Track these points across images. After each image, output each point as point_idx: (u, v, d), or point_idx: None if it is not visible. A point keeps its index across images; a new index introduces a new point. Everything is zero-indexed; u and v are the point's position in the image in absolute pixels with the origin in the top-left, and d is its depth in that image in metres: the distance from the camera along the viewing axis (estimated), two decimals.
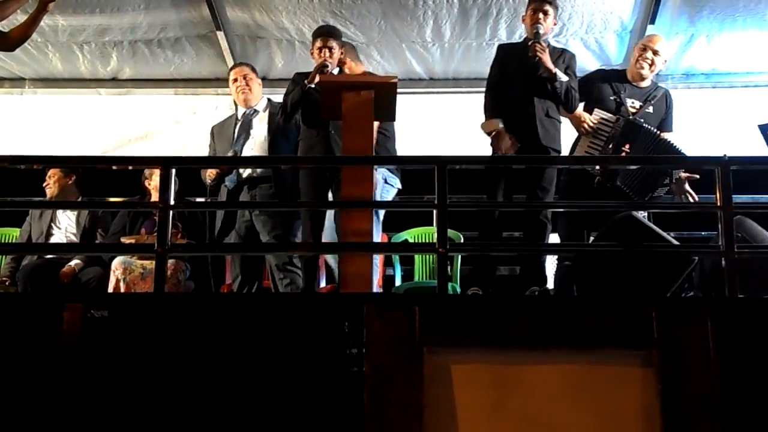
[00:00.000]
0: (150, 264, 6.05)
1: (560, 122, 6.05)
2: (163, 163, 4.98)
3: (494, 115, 6.04)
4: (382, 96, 5.30)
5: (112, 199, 6.96)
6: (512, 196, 5.98)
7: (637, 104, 6.20)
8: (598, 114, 6.14)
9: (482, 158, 5.94)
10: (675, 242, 5.22)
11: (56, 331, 4.39)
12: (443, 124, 7.70)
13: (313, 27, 7.69)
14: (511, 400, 4.39)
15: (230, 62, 8.11)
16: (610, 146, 6.04)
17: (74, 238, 6.91)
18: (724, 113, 8.14)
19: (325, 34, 6.26)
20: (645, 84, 6.36)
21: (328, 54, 6.14)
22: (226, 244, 6.51)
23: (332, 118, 5.77)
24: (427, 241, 7.01)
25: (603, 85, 6.28)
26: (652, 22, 7.59)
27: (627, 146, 6.00)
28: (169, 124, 8.49)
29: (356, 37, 7.94)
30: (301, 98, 6.07)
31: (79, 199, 7.09)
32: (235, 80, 6.65)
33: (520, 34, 7.77)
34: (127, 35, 8.05)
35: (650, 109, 6.20)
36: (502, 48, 6.38)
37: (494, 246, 5.96)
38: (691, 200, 6.06)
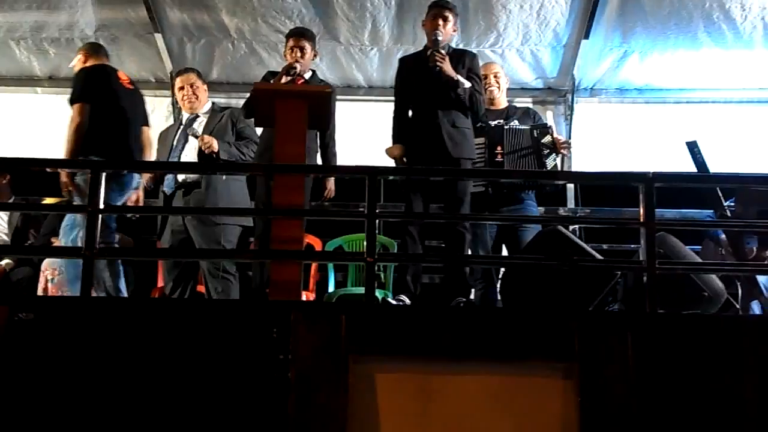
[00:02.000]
0: None
1: (470, 129, 6.07)
2: (94, 167, 4.97)
3: (396, 141, 6.13)
4: (316, 105, 5.33)
5: (45, 201, 6.91)
6: (429, 207, 6.07)
7: (501, 122, 6.37)
8: None
9: (413, 169, 5.97)
10: (599, 256, 5.29)
11: None
12: (381, 133, 7.75)
13: (253, 27, 7.82)
14: (434, 410, 4.43)
15: (168, 64, 8.11)
16: (487, 158, 6.20)
17: (5, 238, 6.86)
18: (656, 128, 8.25)
19: (297, 34, 6.32)
20: (502, 105, 6.58)
21: (299, 54, 6.17)
22: (157, 249, 6.50)
23: (266, 125, 5.80)
24: (360, 248, 7.05)
25: None
26: (587, 37, 7.73)
27: (498, 148, 6.18)
28: None
29: None
30: None
31: (11, 200, 7.03)
32: (182, 88, 6.65)
33: (456, 41, 7.85)
34: (64, 32, 8.01)
35: (514, 123, 6.38)
36: (402, 60, 6.40)
37: (422, 256, 6.01)
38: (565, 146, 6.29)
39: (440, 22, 6.08)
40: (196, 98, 6.57)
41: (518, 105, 6.95)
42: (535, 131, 6.24)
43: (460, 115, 6.00)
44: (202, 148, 6.30)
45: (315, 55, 6.44)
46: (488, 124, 6.33)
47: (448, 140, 5.91)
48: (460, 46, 7.78)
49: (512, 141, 6.21)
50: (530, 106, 7.70)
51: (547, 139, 6.22)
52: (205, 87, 6.74)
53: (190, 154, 6.40)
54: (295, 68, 6.05)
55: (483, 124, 6.31)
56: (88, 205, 4.84)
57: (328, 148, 6.32)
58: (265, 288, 5.92)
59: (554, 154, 6.24)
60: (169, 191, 6.33)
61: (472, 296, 6.23)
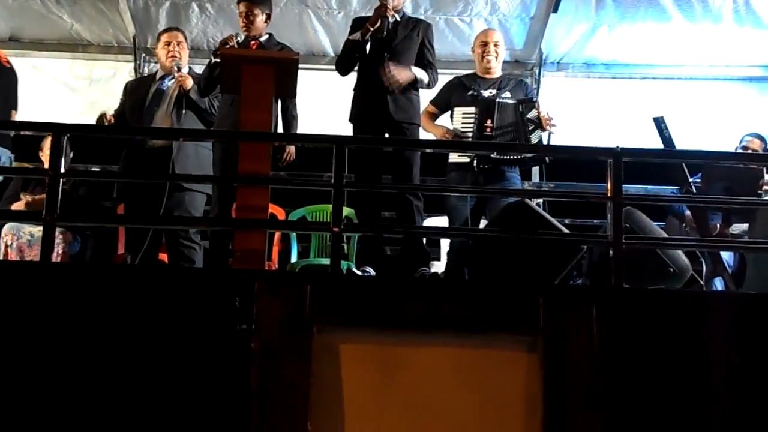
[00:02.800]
0: (38, 231, 5.92)
1: (417, 95, 6.12)
2: (55, 130, 4.88)
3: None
4: (282, 72, 5.26)
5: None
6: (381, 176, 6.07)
7: (493, 92, 6.28)
8: (459, 111, 6.28)
9: (381, 140, 5.94)
10: (565, 230, 5.29)
11: None
12: (346, 102, 7.69)
13: None
14: (398, 381, 4.41)
15: (131, 29, 8.00)
16: (476, 130, 6.11)
17: None
18: (623, 103, 8.29)
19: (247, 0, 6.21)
20: (496, 75, 6.48)
21: (248, 20, 6.13)
22: (119, 216, 6.41)
23: (232, 92, 5.72)
24: (323, 218, 7.02)
25: (458, 89, 6.37)
26: (555, 10, 7.71)
27: (488, 122, 6.07)
28: (66, 89, 8.33)
29: None
30: (209, 74, 6.04)
31: None
32: (168, 43, 6.50)
33: (425, 7, 7.84)
34: None
35: (507, 95, 6.29)
36: (356, 20, 6.36)
37: (387, 227, 5.98)
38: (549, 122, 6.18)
39: None
40: (180, 57, 6.46)
41: (511, 76, 6.85)
42: (520, 105, 6.14)
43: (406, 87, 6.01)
44: (178, 82, 6.26)
45: (268, 17, 6.33)
46: (480, 94, 6.24)
47: (391, 103, 5.93)
48: (429, 13, 7.79)
49: (501, 115, 6.10)
50: (517, 76, 7.57)
51: (533, 113, 6.11)
52: (188, 51, 6.65)
53: (163, 116, 6.29)
54: (232, 43, 5.96)
55: (475, 93, 6.26)
56: (50, 169, 4.76)
57: (288, 110, 6.21)
58: (225, 257, 5.89)
59: (539, 130, 6.13)
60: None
61: (438, 267, 6.23)
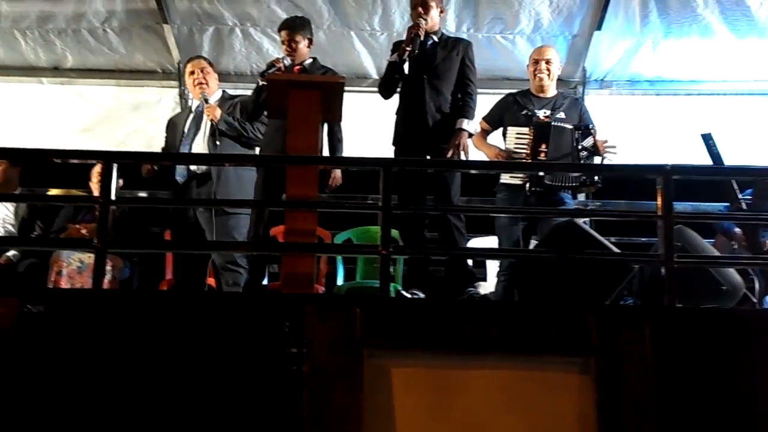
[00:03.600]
0: (88, 258, 5.98)
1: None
2: (105, 158, 4.92)
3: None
4: (328, 96, 5.27)
5: (52, 191, 6.86)
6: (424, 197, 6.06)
7: (548, 113, 6.23)
8: (513, 131, 6.25)
9: (428, 161, 5.93)
10: (615, 249, 5.24)
11: None
12: (388, 123, 7.69)
13: (260, 15, 7.76)
14: (449, 405, 4.39)
15: (176, 54, 8.06)
16: (531, 154, 6.08)
17: (12, 230, 6.79)
18: (668, 121, 8.21)
19: (287, 27, 6.26)
20: (551, 94, 6.44)
21: (290, 48, 6.16)
22: (168, 241, 6.45)
23: (279, 117, 5.74)
24: (369, 240, 7.01)
25: (512, 108, 6.34)
26: (599, 27, 7.67)
27: (543, 146, 6.05)
28: (111, 116, 8.39)
29: None
30: (256, 98, 6.07)
31: (18, 191, 6.98)
32: (192, 72, 6.59)
33: (467, 25, 7.82)
34: (71, 23, 7.97)
35: (561, 115, 6.26)
36: (395, 43, 6.33)
37: (437, 249, 5.96)
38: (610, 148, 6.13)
39: (421, 10, 6.04)
40: (207, 84, 6.49)
41: (567, 94, 6.83)
42: (576, 132, 6.08)
43: (448, 99, 5.99)
44: (206, 115, 6.29)
45: (310, 42, 6.35)
46: (535, 114, 6.20)
47: (431, 126, 5.93)
48: (471, 31, 7.78)
49: (556, 140, 6.06)
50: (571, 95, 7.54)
51: (588, 141, 6.06)
52: (216, 75, 6.67)
53: (200, 143, 6.33)
54: (277, 65, 6.02)
55: (530, 113, 6.22)
56: (100, 197, 4.80)
57: (333, 134, 6.21)
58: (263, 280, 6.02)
59: (595, 156, 6.08)
60: (181, 180, 6.24)
61: (485, 288, 6.20)
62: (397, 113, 6.15)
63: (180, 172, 6.24)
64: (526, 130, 6.14)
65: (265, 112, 6.07)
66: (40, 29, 8.05)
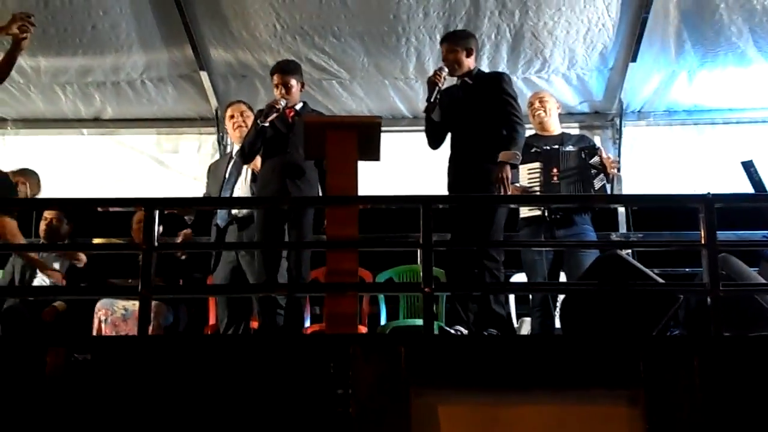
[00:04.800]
0: (132, 305, 6.02)
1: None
2: (146, 204, 4.97)
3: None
4: (365, 135, 5.30)
5: (96, 241, 6.93)
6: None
7: (556, 147, 6.34)
8: (524, 169, 6.29)
9: (467, 197, 5.91)
10: (660, 280, 5.20)
11: (40, 375, 4.36)
12: (426, 163, 7.70)
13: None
14: None
15: (213, 102, 8.14)
16: (543, 180, 6.19)
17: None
18: (707, 150, 8.17)
19: (280, 70, 6.25)
20: (556, 132, 6.55)
21: (284, 90, 6.14)
22: (210, 286, 6.49)
23: (317, 157, 5.79)
24: (411, 279, 7.01)
25: (524, 149, 6.24)
26: (634, 59, 7.66)
27: (554, 170, 6.17)
28: (152, 164, 8.49)
29: (339, 74, 8.00)
30: (256, 138, 6.08)
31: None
32: (232, 116, 6.68)
33: (502, 69, 7.83)
34: (110, 76, 8.10)
35: (569, 148, 6.33)
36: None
37: (479, 286, 5.93)
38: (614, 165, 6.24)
39: (448, 59, 6.06)
40: (246, 127, 6.52)
41: (572, 132, 6.94)
42: (583, 152, 6.23)
43: (490, 137, 5.91)
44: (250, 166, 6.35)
45: (302, 87, 6.38)
46: (543, 149, 6.30)
47: (476, 171, 5.84)
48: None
49: (566, 163, 6.20)
50: (579, 132, 7.70)
51: (595, 159, 6.19)
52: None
53: (242, 187, 6.39)
54: (279, 105, 6.04)
55: (538, 150, 6.29)
56: (143, 244, 4.84)
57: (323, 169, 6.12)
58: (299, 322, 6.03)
59: (603, 174, 6.18)
60: (222, 224, 6.32)
61: (522, 324, 6.16)
62: (449, 159, 6.11)
63: (221, 216, 6.31)
64: (536, 164, 6.27)
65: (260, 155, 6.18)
66: (80, 83, 8.17)
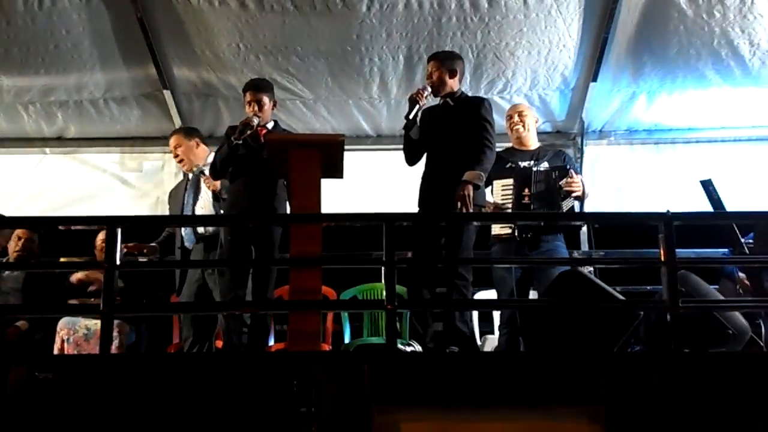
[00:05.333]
0: (94, 324, 5.99)
1: None
2: (109, 222, 4.96)
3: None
4: (329, 154, 5.33)
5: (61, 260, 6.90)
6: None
7: (531, 163, 6.33)
8: (498, 184, 6.34)
9: (429, 215, 5.94)
10: (621, 297, 5.25)
11: (1, 393, 4.34)
12: (390, 181, 7.73)
13: None
14: None
15: (177, 121, 8.12)
16: (515, 200, 6.18)
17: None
18: (667, 169, 8.25)
19: (253, 88, 6.27)
20: (533, 146, 6.55)
21: (257, 108, 6.16)
22: (174, 304, 6.47)
23: (281, 176, 5.80)
24: (374, 297, 7.03)
25: (497, 164, 6.22)
26: (594, 79, 7.74)
27: (526, 190, 6.13)
28: (115, 183, 8.45)
29: (303, 93, 8.00)
30: (229, 155, 6.07)
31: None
32: (173, 150, 6.74)
33: (465, 89, 7.84)
34: (73, 95, 8.05)
35: (545, 165, 6.33)
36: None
37: (441, 303, 5.95)
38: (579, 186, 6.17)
39: (432, 78, 6.14)
40: (186, 158, 6.64)
41: (548, 147, 6.94)
42: (554, 173, 6.20)
43: (464, 159, 5.93)
44: (206, 186, 6.37)
45: (274, 105, 6.40)
46: (518, 165, 6.31)
47: (448, 188, 5.84)
48: (470, 93, 7.84)
49: (537, 184, 6.17)
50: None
51: (564, 181, 6.15)
52: (196, 142, 6.71)
53: (206, 207, 6.41)
54: (253, 123, 6.03)
55: (513, 165, 6.32)
56: (105, 261, 4.83)
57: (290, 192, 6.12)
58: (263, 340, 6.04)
59: (571, 196, 6.16)
60: (190, 245, 6.34)
61: (486, 342, 6.16)
62: (422, 177, 6.14)
63: (188, 238, 6.31)
64: (510, 181, 6.26)
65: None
66: (42, 102, 8.13)
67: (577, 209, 6.27)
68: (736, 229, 5.92)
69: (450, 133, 6.01)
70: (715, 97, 7.94)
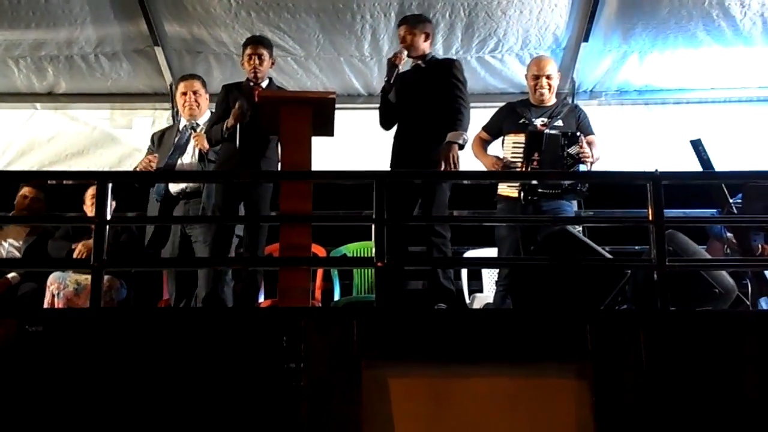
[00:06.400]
0: (84, 279, 6.00)
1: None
2: (99, 178, 4.97)
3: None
4: (320, 111, 5.34)
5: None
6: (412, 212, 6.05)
7: (545, 121, 6.28)
8: (509, 140, 6.32)
9: (421, 173, 5.96)
10: (608, 256, 5.28)
11: None
12: (380, 140, 7.73)
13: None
14: (448, 414, 4.44)
15: (168, 77, 8.09)
16: (524, 163, 6.13)
17: (16, 253, 6.79)
18: (657, 129, 8.26)
19: (255, 42, 6.29)
20: (549, 103, 6.48)
21: (257, 61, 6.16)
22: (164, 259, 6.48)
23: (271, 133, 5.81)
24: (365, 254, 7.06)
25: (510, 116, 6.38)
26: (586, 39, 7.72)
27: (535, 155, 6.07)
28: (105, 139, 8.43)
29: (294, 50, 7.98)
30: (221, 140, 6.13)
31: None
32: (184, 93, 6.65)
33: (456, 48, 7.88)
34: (64, 50, 7.99)
35: (559, 123, 6.30)
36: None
37: (435, 261, 5.98)
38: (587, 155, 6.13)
39: (406, 42, 6.18)
40: (198, 106, 6.58)
41: (566, 102, 6.95)
42: (563, 139, 6.11)
43: (439, 119, 6.02)
44: (195, 143, 6.39)
45: (272, 63, 6.40)
46: (532, 123, 6.27)
47: (423, 149, 5.97)
48: (461, 53, 7.85)
49: (548, 148, 6.07)
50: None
51: (574, 149, 6.07)
52: (207, 96, 6.72)
53: (186, 164, 6.43)
54: (244, 120, 5.99)
55: (527, 122, 6.29)
56: (96, 217, 4.84)
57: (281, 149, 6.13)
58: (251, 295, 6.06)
59: (579, 164, 6.11)
60: (158, 199, 6.35)
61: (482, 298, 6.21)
62: (394, 138, 6.18)
63: (158, 192, 6.34)
64: (522, 138, 6.19)
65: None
66: (33, 56, 8.07)
67: None
68: (724, 189, 5.95)
69: (424, 95, 6.10)
70: (706, 57, 7.94)
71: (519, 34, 7.86)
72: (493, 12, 7.65)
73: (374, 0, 7.55)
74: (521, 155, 6.15)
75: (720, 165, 6.15)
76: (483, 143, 6.47)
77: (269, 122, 5.47)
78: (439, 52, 7.84)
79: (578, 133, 6.19)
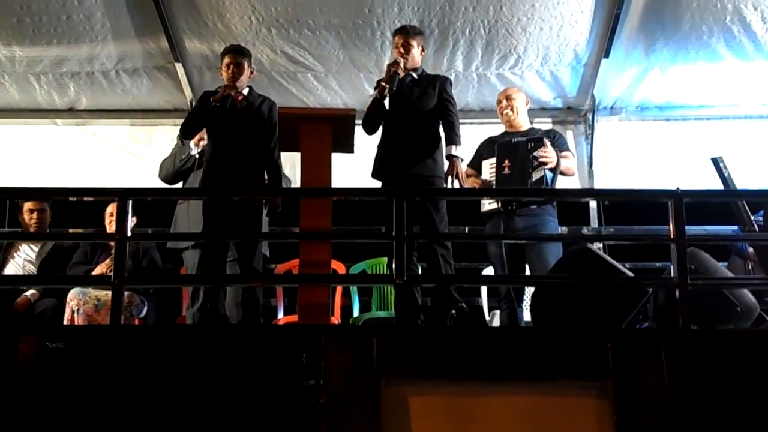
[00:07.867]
0: (104, 296, 6.01)
1: (440, 151, 6.10)
2: (120, 194, 4.97)
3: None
4: (339, 128, 5.34)
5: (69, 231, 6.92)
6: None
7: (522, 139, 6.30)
8: (486, 163, 6.37)
9: (440, 190, 5.96)
10: (629, 273, 5.25)
11: (12, 363, 4.36)
12: None
13: (272, 57, 7.83)
14: None
15: (188, 93, 8.15)
16: (497, 172, 6.22)
17: (32, 268, 6.82)
18: (678, 146, 8.23)
19: (234, 51, 6.18)
20: (524, 128, 6.51)
21: (235, 70, 6.06)
22: (184, 276, 6.48)
23: (290, 150, 5.81)
24: (383, 271, 7.05)
25: (489, 146, 6.43)
26: (606, 55, 7.71)
27: (506, 161, 6.18)
28: (125, 155, 8.47)
29: (314, 67, 8.01)
30: (202, 114, 6.06)
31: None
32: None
33: (476, 64, 7.88)
34: (85, 66, 8.05)
35: (521, 139, 6.32)
36: (378, 81, 6.35)
37: (453, 278, 5.97)
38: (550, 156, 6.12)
39: (401, 50, 6.21)
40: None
41: (540, 127, 7.01)
42: (530, 143, 6.18)
43: (427, 133, 6.08)
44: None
45: (252, 72, 6.29)
46: (500, 142, 6.35)
47: (410, 159, 6.00)
48: (481, 70, 7.86)
49: (516, 154, 6.18)
50: (552, 126, 7.76)
51: (540, 152, 6.12)
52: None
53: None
54: (229, 91, 5.97)
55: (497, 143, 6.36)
56: (116, 233, 4.85)
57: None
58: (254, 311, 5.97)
59: (543, 166, 6.11)
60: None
61: (494, 317, 6.19)
62: (378, 147, 6.20)
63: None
64: (493, 159, 6.29)
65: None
66: (54, 73, 8.13)
67: (549, 180, 6.16)
68: (746, 206, 5.91)
69: (418, 107, 6.11)
70: (727, 73, 7.92)
71: (539, 50, 7.87)
72: (513, 29, 7.65)
73: (394, 17, 7.56)
74: (495, 172, 6.24)
75: (741, 182, 6.11)
76: (470, 179, 6.46)
77: (288, 139, 5.46)
78: (459, 68, 7.87)
79: (544, 138, 6.24)
